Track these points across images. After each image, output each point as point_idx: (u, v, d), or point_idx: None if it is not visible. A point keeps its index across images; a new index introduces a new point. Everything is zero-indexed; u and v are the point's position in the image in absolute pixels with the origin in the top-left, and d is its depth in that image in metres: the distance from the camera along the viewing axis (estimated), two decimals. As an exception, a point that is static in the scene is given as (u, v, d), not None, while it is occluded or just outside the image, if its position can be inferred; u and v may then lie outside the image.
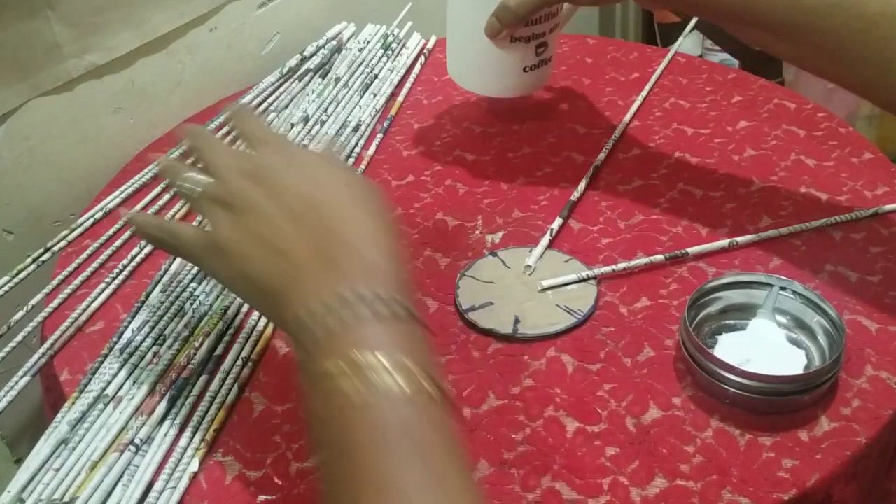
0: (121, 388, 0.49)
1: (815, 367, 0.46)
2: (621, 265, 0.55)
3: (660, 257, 0.56)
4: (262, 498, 0.43)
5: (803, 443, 0.43)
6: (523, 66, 0.65)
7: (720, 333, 0.49)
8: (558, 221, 0.59)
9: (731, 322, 0.49)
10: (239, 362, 0.50)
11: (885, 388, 0.46)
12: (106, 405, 0.48)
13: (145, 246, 0.61)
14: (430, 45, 0.87)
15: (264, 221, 0.39)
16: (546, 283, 0.54)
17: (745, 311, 0.49)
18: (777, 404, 0.44)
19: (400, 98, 0.78)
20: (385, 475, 0.31)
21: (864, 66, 0.47)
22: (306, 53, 0.83)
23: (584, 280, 0.54)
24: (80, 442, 0.46)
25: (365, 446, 0.32)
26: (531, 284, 0.54)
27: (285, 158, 0.42)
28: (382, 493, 0.31)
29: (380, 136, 0.72)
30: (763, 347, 0.47)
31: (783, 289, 0.49)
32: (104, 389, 0.49)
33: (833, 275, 0.54)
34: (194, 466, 0.44)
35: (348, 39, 0.87)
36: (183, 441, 0.46)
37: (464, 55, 0.67)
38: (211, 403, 0.48)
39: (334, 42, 0.85)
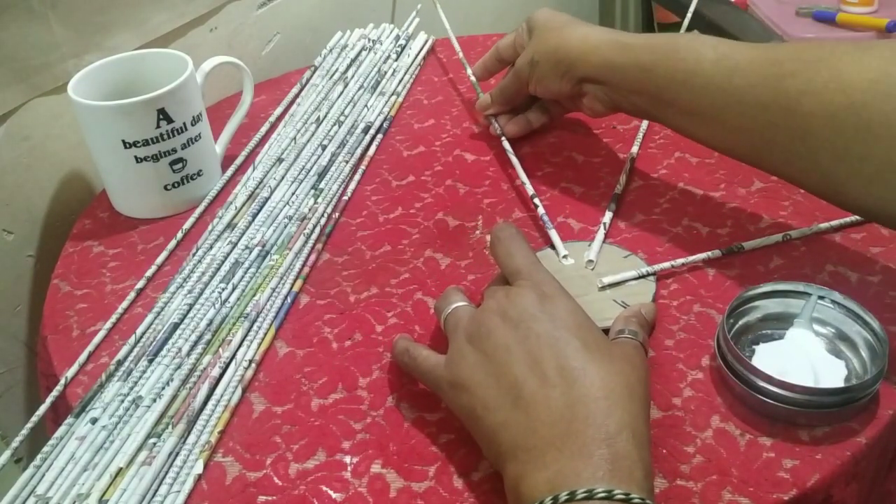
0: (159, 392, 0.48)
1: (856, 379, 0.44)
2: (679, 261, 0.54)
3: (718, 251, 0.55)
4: (262, 498, 0.43)
5: (803, 443, 0.43)
6: (163, 184, 0.63)
7: (756, 343, 0.47)
8: (608, 215, 0.59)
9: (767, 332, 0.48)
10: (244, 364, 0.50)
11: (886, 389, 0.45)
12: (129, 407, 0.48)
13: (145, 246, 0.61)
14: (428, 46, 0.88)
15: (511, 367, 0.39)
16: (606, 281, 0.53)
17: (782, 321, 0.48)
18: (816, 417, 0.43)
19: (400, 98, 0.78)
20: None
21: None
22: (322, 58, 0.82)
23: (643, 276, 0.54)
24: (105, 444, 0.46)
25: None
26: (589, 278, 0.54)
27: (538, 301, 0.41)
28: None
29: (380, 136, 0.72)
30: (800, 358, 0.46)
31: (822, 298, 0.47)
32: (132, 389, 0.48)
33: (833, 275, 0.54)
34: (199, 469, 0.44)
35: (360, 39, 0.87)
36: (188, 444, 0.45)
37: (107, 180, 0.65)
38: (216, 405, 0.47)
39: (360, 42, 0.85)
